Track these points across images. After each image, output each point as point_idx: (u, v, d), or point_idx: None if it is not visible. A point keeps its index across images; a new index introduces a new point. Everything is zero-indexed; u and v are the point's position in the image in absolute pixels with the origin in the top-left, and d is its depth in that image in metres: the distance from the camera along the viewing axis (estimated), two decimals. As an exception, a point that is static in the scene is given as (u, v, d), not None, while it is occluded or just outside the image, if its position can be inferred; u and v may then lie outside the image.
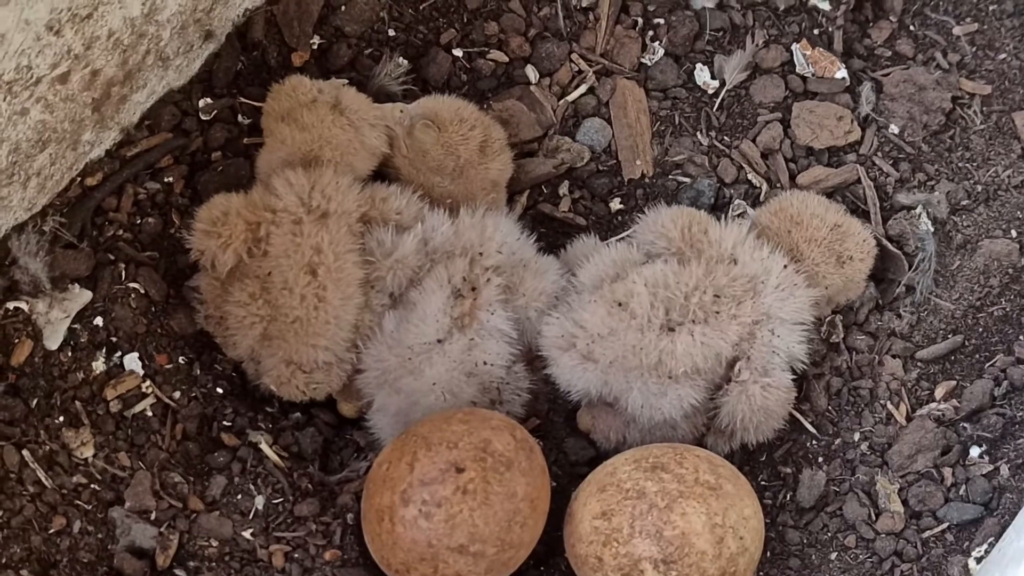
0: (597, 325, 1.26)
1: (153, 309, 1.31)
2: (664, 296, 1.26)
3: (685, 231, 1.31)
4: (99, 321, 1.28)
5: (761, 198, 1.42)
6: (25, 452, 1.21)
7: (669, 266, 1.28)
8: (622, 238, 1.38)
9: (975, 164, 1.42)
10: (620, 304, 1.26)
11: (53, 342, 1.25)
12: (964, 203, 1.41)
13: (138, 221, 1.33)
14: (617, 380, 1.26)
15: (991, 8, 1.48)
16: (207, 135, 1.37)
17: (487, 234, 1.32)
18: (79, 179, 1.29)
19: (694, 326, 1.25)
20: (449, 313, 1.28)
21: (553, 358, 1.29)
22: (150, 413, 1.27)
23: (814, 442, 1.34)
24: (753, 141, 1.44)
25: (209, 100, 1.37)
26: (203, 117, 1.37)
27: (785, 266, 1.29)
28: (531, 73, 1.46)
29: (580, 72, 1.46)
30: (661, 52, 1.46)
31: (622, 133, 1.44)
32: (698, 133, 1.44)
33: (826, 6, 1.47)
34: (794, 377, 1.31)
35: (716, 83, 1.46)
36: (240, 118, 1.39)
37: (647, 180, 1.44)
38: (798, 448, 1.34)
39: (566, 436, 1.36)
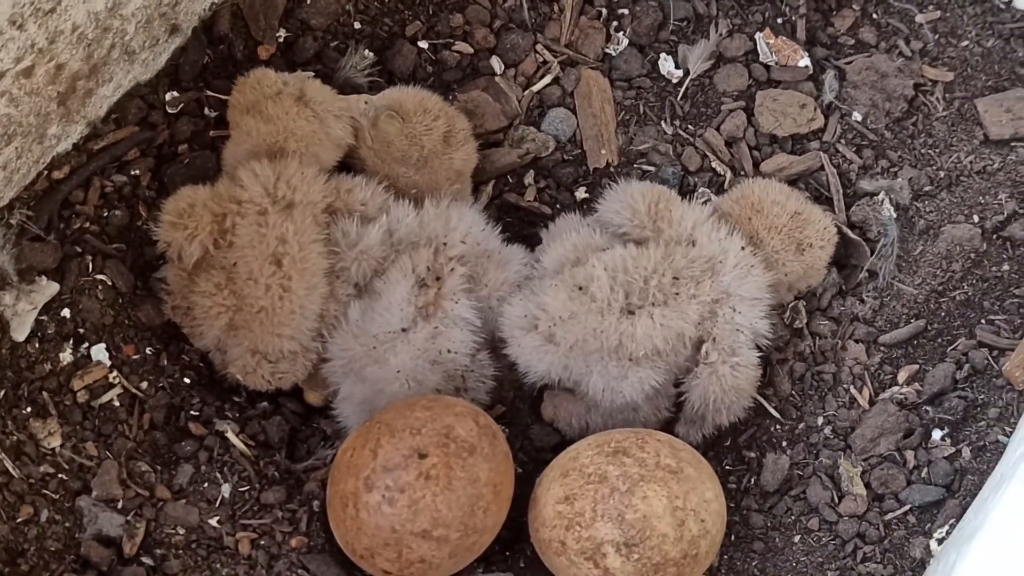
0: (558, 308, 1.27)
1: (120, 300, 1.32)
2: (623, 280, 1.27)
3: (652, 206, 1.31)
4: (66, 313, 1.29)
5: (725, 186, 1.43)
6: (-8, 442, 1.23)
7: (628, 251, 1.29)
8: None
9: (937, 150, 1.43)
10: (580, 288, 1.27)
11: (20, 334, 1.26)
12: (927, 189, 1.42)
13: (105, 214, 1.34)
14: (577, 364, 1.28)
15: (953, -5, 1.49)
16: (174, 128, 1.38)
17: (451, 224, 1.33)
18: (46, 172, 1.31)
19: (654, 308, 1.26)
20: (413, 302, 1.30)
21: (515, 339, 1.30)
22: (117, 403, 1.28)
23: (778, 427, 1.35)
24: (717, 129, 1.45)
25: (175, 93, 1.39)
26: (170, 110, 1.38)
27: (743, 248, 1.30)
28: (496, 64, 1.47)
29: (545, 63, 1.47)
30: (625, 42, 1.48)
31: (587, 123, 1.45)
32: (662, 122, 1.46)
33: (789, -5, 1.49)
34: (760, 355, 1.32)
35: (680, 72, 1.47)
36: (206, 111, 1.40)
37: (612, 169, 1.45)
38: (762, 433, 1.36)
39: (531, 423, 1.37)
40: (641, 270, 1.27)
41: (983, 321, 1.36)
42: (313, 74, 1.38)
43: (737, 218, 1.34)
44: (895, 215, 1.40)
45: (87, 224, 1.32)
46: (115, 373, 1.29)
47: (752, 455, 1.35)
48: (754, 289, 1.30)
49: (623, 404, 1.29)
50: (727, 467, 1.35)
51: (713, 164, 1.44)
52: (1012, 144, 1.42)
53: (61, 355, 1.28)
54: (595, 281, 1.27)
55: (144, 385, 1.30)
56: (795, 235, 1.34)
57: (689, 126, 1.46)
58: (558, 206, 1.45)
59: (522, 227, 1.44)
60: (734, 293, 1.29)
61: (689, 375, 1.30)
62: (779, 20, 1.48)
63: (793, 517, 1.31)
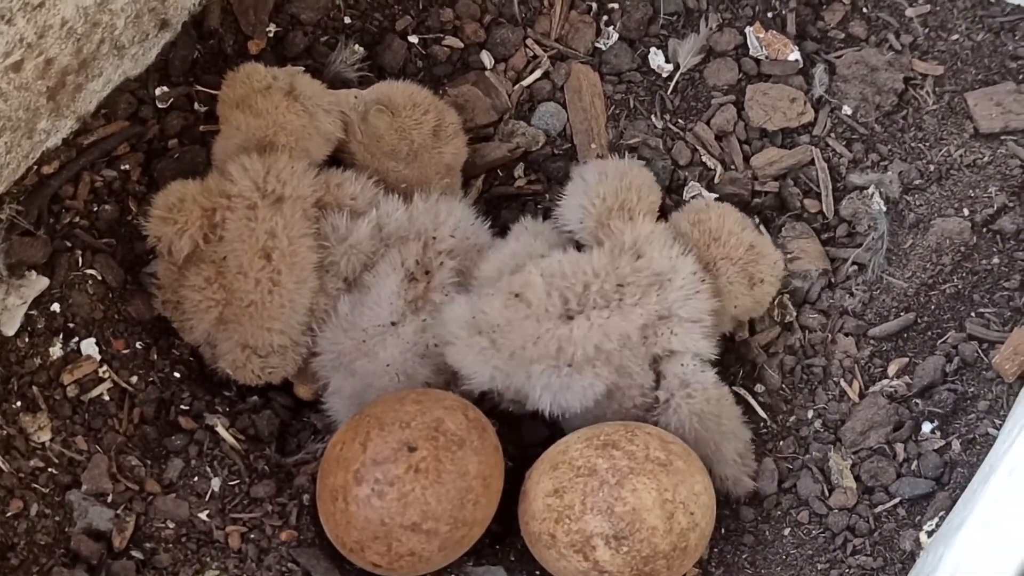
0: (494, 316, 1.26)
1: (110, 295, 1.32)
2: (561, 285, 1.26)
3: (605, 214, 1.31)
4: (56, 307, 1.29)
5: (715, 180, 1.43)
6: (-18, 437, 1.23)
7: (567, 256, 1.28)
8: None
9: (927, 144, 1.43)
10: (516, 295, 1.26)
11: (10, 328, 1.26)
12: (917, 183, 1.42)
13: (95, 208, 1.34)
14: (518, 373, 1.26)
15: (943, -11, 1.49)
16: (164, 123, 1.39)
17: (441, 218, 1.33)
18: (35, 167, 1.31)
19: (593, 311, 1.25)
20: (403, 296, 1.30)
21: (459, 340, 1.27)
22: (107, 397, 1.28)
23: (766, 424, 1.35)
24: (707, 124, 1.45)
25: (165, 88, 1.39)
26: (160, 105, 1.39)
27: (694, 272, 1.30)
28: (486, 59, 1.47)
29: (535, 57, 1.47)
30: (615, 36, 1.48)
31: (577, 117, 1.46)
32: (652, 116, 1.46)
33: (779, -11, 1.49)
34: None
35: (670, 67, 1.47)
36: (196, 106, 1.40)
37: (602, 163, 1.45)
38: (752, 426, 1.35)
39: (521, 417, 1.37)
40: (580, 275, 1.26)
41: (973, 314, 1.35)
42: (303, 69, 1.39)
43: (695, 243, 1.33)
44: (885, 208, 1.40)
45: (77, 219, 1.32)
46: (105, 367, 1.29)
47: (742, 448, 1.35)
48: (695, 311, 1.29)
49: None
50: (717, 460, 1.35)
51: (703, 158, 1.44)
52: (1002, 138, 1.42)
53: (51, 349, 1.28)
54: (530, 287, 1.26)
55: (134, 379, 1.30)
56: (749, 268, 1.33)
57: (679, 120, 1.46)
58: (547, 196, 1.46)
59: (515, 214, 1.44)
60: (675, 314, 1.28)
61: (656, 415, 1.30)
62: (769, 14, 1.48)
63: (783, 510, 1.31)
